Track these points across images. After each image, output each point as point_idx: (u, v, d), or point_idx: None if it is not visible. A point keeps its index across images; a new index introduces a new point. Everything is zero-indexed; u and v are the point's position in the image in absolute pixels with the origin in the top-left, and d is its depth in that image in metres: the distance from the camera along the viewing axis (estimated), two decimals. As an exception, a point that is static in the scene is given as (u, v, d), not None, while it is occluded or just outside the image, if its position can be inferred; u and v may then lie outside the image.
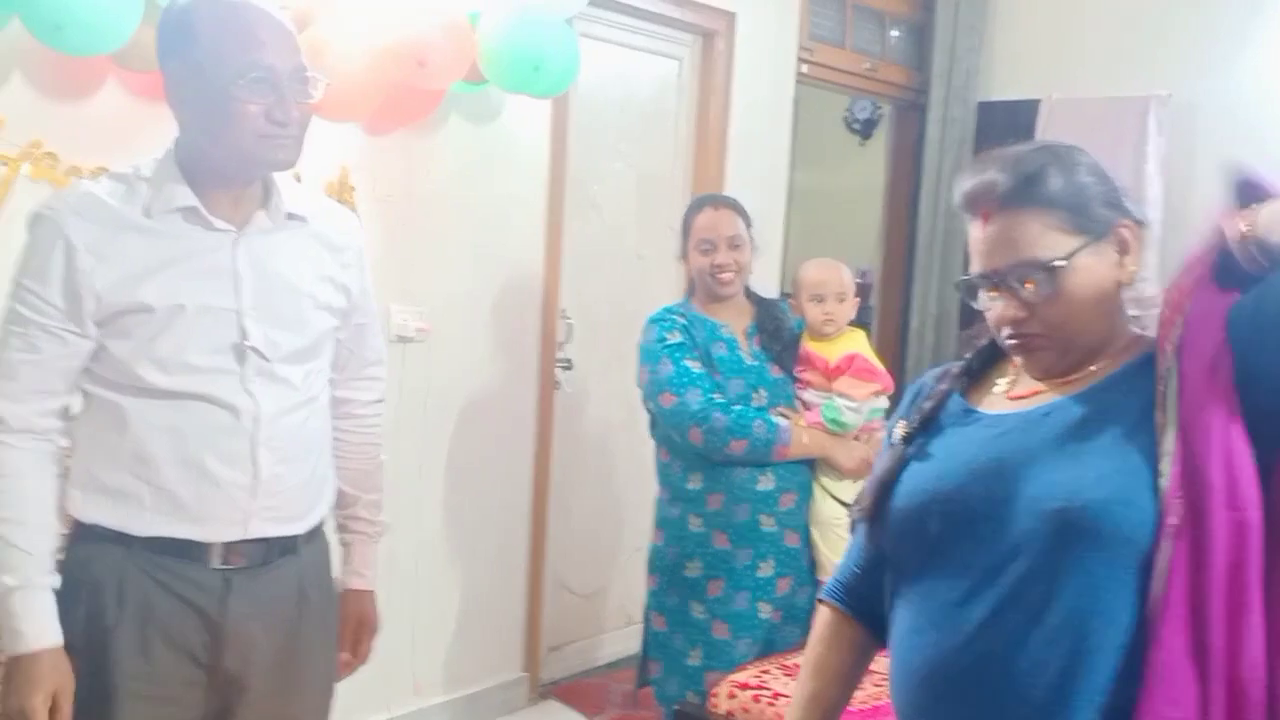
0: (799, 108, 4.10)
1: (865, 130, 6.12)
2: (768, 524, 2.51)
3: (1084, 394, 1.20)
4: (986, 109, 4.45)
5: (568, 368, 3.51)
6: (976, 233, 1.23)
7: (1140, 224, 1.22)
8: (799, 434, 2.48)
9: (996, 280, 1.21)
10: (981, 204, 1.22)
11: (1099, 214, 1.19)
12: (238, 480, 1.55)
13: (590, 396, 3.65)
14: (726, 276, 2.56)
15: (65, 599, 1.54)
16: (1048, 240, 1.18)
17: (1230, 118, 3.93)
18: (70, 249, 1.48)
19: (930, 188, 4.50)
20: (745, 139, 3.83)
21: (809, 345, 2.59)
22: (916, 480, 1.27)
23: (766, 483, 2.50)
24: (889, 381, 2.57)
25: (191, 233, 1.54)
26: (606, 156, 3.59)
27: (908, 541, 1.27)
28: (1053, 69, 4.30)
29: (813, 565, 2.55)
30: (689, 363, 2.49)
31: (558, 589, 3.61)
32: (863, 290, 4.86)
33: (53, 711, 1.48)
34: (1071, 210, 1.18)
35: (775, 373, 2.58)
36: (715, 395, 2.46)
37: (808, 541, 2.55)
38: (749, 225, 2.61)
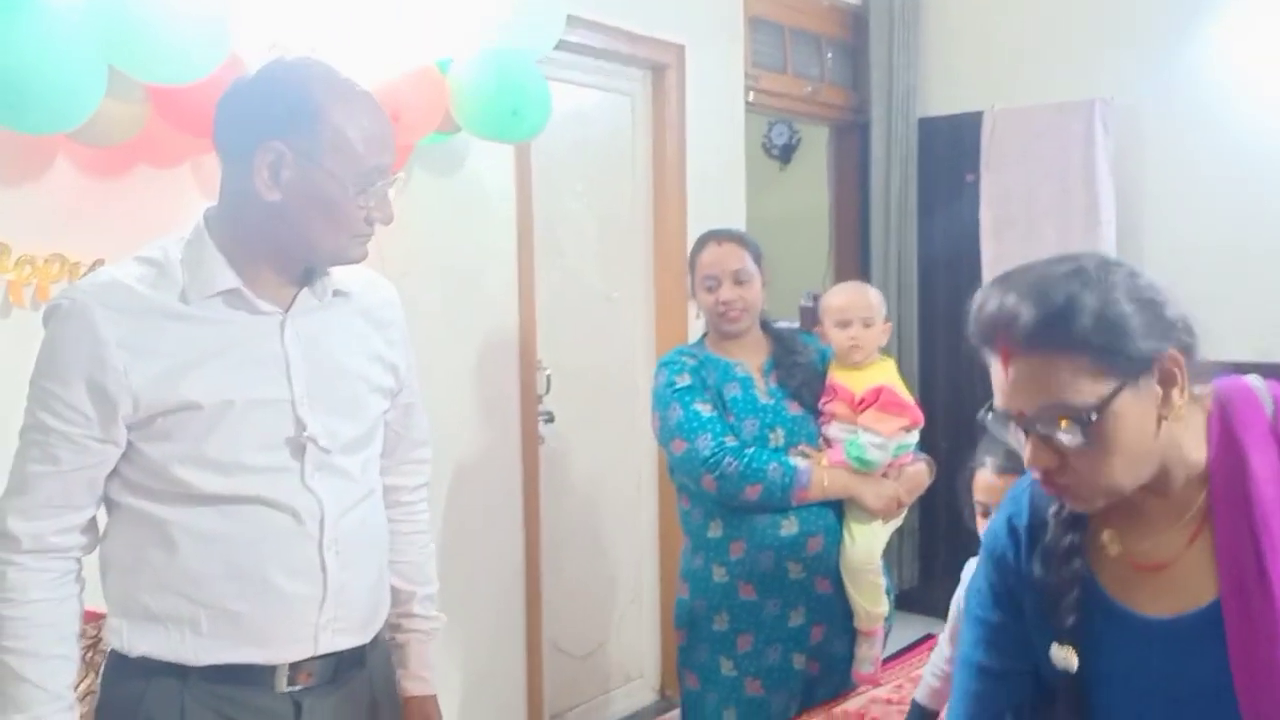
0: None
1: (784, 155, 6.15)
2: (795, 571, 2.39)
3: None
4: (928, 125, 4.46)
5: (550, 420, 3.37)
6: (996, 371, 1.08)
7: (1188, 349, 1.06)
8: (819, 475, 2.36)
9: (1023, 424, 1.07)
10: (1000, 341, 1.06)
11: (1138, 349, 1.03)
12: (305, 592, 1.40)
13: (573, 447, 3.50)
14: (733, 314, 2.45)
15: None
16: (1079, 386, 1.03)
17: (1174, 117, 3.98)
18: (99, 344, 1.30)
19: (880, 207, 4.48)
20: (702, 171, 3.75)
21: (835, 375, 2.45)
22: (1110, 707, 1.14)
23: (790, 527, 2.38)
24: (918, 415, 2.43)
25: (235, 318, 1.38)
26: (566, 199, 3.47)
27: None
28: (993, 81, 4.32)
29: (848, 612, 2.43)
30: (699, 406, 2.38)
31: (555, 653, 3.45)
32: (810, 314, 4.83)
33: None
34: (1105, 350, 1.02)
35: (794, 410, 2.45)
36: (727, 439, 2.34)
37: (840, 587, 2.43)
38: (759, 259, 2.50)
